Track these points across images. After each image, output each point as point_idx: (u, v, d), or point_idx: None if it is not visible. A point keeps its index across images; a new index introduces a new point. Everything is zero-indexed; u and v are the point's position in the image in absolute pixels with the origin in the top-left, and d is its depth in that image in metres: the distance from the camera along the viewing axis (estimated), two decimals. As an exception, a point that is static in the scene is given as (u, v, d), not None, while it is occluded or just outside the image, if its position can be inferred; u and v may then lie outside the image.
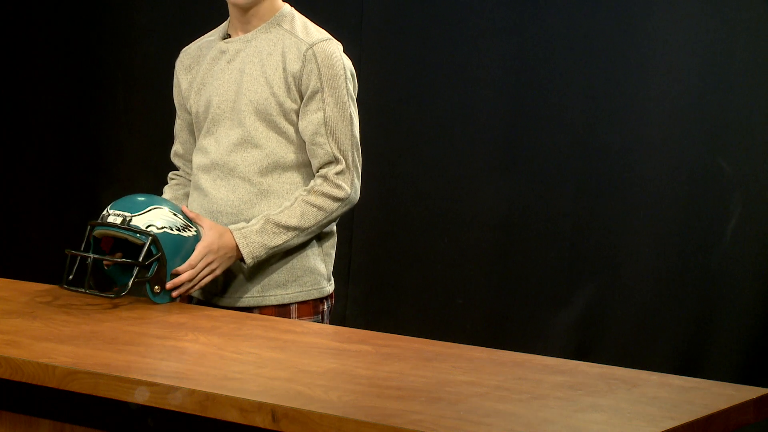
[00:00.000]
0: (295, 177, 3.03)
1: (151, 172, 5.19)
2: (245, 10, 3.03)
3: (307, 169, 3.04)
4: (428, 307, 4.66)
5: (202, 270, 2.94)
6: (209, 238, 2.94)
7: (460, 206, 4.60)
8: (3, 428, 2.49)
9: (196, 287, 2.96)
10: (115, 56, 5.17)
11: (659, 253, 4.29)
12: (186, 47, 3.19)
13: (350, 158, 3.00)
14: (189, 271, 2.92)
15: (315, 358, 2.41)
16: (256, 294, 3.03)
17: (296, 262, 3.04)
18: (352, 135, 3.02)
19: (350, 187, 3.00)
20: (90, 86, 5.31)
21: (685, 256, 4.25)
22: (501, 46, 4.50)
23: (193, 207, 3.07)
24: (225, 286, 3.04)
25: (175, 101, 3.21)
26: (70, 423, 2.42)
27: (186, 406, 2.14)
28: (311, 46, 2.99)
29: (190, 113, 3.14)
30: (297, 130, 3.02)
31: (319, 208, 2.97)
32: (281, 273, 3.03)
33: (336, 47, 3.02)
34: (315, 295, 3.06)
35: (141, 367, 2.29)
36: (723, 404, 2.09)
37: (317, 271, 3.07)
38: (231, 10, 3.07)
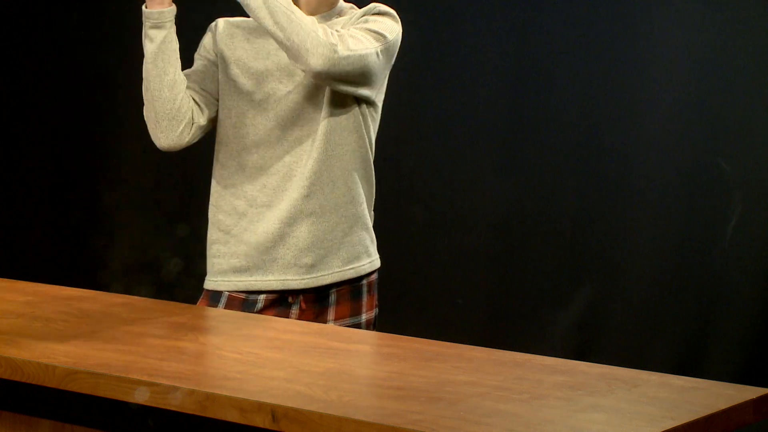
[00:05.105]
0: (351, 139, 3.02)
1: (151, 172, 5.21)
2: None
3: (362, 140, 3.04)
4: (428, 307, 4.66)
5: None
6: None
7: (460, 206, 4.60)
8: (3, 428, 2.50)
9: None
10: (115, 56, 5.18)
11: (659, 253, 4.29)
12: (229, 18, 3.13)
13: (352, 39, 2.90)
14: None
15: (315, 358, 2.41)
16: (336, 268, 3.03)
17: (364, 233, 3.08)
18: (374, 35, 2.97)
19: (354, 52, 2.87)
20: (90, 86, 5.31)
21: (685, 256, 4.25)
22: (501, 47, 4.50)
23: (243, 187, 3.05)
24: (306, 267, 3.02)
25: (203, 56, 3.12)
26: (70, 423, 2.42)
27: (186, 406, 2.14)
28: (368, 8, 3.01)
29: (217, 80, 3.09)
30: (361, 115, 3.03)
31: (306, 27, 2.82)
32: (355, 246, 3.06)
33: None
34: (376, 264, 3.13)
35: (141, 367, 2.29)
36: (723, 404, 2.09)
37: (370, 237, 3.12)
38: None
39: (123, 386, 2.21)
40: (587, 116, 4.40)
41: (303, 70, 2.87)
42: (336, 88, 2.92)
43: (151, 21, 2.99)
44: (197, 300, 3.13)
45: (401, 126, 4.68)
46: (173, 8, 2.99)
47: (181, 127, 3.01)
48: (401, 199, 4.67)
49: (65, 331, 2.58)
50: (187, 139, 3.03)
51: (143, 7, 3.01)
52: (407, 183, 4.65)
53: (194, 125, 3.03)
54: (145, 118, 3.05)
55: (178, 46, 3.00)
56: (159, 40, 2.98)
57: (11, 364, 2.34)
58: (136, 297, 2.99)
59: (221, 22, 3.12)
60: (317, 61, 2.81)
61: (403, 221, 4.68)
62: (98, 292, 3.07)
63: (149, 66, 3.01)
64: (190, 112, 3.03)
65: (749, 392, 2.17)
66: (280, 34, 2.82)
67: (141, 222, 5.23)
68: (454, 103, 4.59)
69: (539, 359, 2.40)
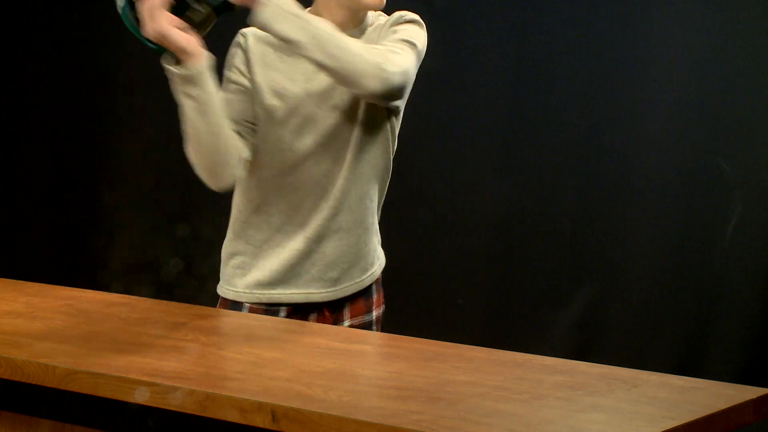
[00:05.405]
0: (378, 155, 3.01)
1: (151, 172, 5.21)
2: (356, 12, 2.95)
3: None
4: (428, 307, 4.66)
5: None
6: None
7: (460, 206, 4.60)
8: (3, 428, 2.50)
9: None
10: (115, 56, 5.18)
11: (659, 253, 4.29)
12: (257, 32, 2.94)
13: (405, 50, 2.84)
14: None
15: (315, 358, 2.41)
16: (357, 278, 3.02)
17: (375, 238, 3.07)
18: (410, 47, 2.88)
19: (400, 67, 2.77)
20: (90, 87, 5.31)
21: (685, 256, 4.25)
22: (501, 47, 4.50)
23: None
24: (331, 280, 3.01)
25: (236, 81, 2.96)
26: (70, 423, 2.42)
27: (186, 406, 2.14)
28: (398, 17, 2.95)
29: (254, 103, 2.96)
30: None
31: (354, 52, 2.73)
32: (368, 255, 3.05)
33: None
34: (383, 264, 3.13)
35: (141, 367, 2.29)
36: (723, 404, 2.09)
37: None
38: (339, 11, 2.95)
39: (123, 386, 2.21)
40: (587, 116, 4.40)
41: (360, 95, 2.83)
42: (386, 104, 2.90)
43: (184, 79, 2.72)
44: (197, 300, 3.12)
45: (401, 126, 4.67)
46: (209, 57, 2.74)
47: (230, 168, 2.86)
48: (401, 200, 4.66)
49: (65, 331, 2.58)
50: (237, 174, 2.90)
51: (165, 64, 2.73)
52: (407, 183, 4.65)
53: (241, 159, 2.90)
54: (194, 165, 2.85)
55: (218, 89, 2.81)
56: (198, 95, 2.74)
57: (11, 364, 2.34)
58: (136, 297, 2.99)
59: (251, 39, 2.95)
60: (374, 84, 2.74)
61: (404, 221, 4.68)
62: (98, 292, 3.08)
63: (197, 122, 2.76)
64: (236, 149, 2.88)
65: (749, 392, 2.17)
66: (333, 65, 2.73)
67: (141, 222, 5.23)
68: (454, 104, 4.59)
69: (539, 359, 2.40)
